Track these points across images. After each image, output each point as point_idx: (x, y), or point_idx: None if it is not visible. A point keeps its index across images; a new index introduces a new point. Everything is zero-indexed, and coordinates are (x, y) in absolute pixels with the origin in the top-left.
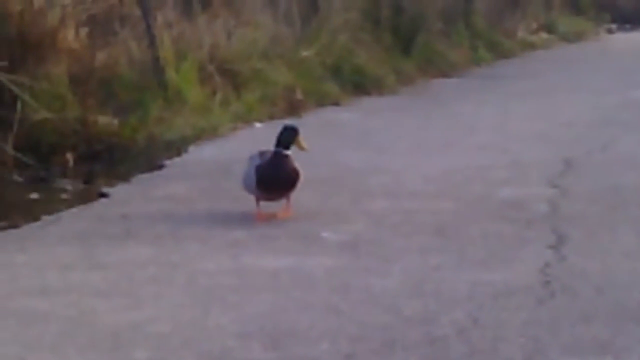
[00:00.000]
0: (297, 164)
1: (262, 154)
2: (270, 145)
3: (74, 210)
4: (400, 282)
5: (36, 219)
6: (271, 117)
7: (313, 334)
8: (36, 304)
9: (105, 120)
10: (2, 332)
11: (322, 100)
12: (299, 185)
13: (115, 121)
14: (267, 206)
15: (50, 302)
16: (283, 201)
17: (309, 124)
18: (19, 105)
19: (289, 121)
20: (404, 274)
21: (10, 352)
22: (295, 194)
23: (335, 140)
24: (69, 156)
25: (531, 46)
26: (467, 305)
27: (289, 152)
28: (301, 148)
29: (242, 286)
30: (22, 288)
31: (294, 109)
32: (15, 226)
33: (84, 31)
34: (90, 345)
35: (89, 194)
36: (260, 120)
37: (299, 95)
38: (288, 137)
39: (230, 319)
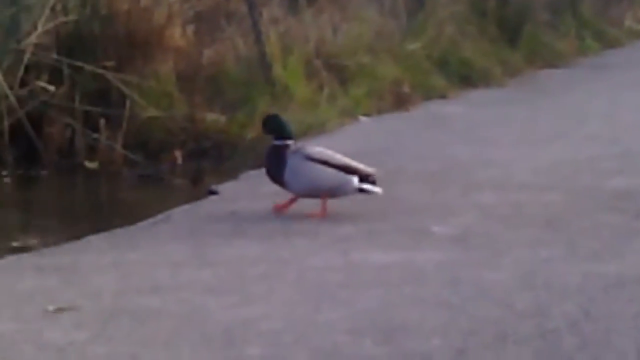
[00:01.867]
0: (295, 154)
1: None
2: (377, 140)
3: (184, 207)
4: (511, 275)
5: (146, 216)
6: (378, 112)
7: (424, 328)
8: (148, 302)
9: (213, 117)
10: (115, 330)
11: (429, 94)
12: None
13: (223, 118)
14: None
15: (162, 299)
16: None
17: (416, 118)
18: (127, 104)
19: (391, 115)
20: (514, 267)
21: (123, 349)
22: (404, 188)
23: (443, 134)
24: (178, 154)
25: (638, 35)
26: (578, 298)
27: (284, 142)
28: None
29: (352, 282)
30: (134, 286)
31: (401, 102)
32: (126, 225)
33: (190, 29)
34: (202, 342)
35: (198, 192)
36: (367, 115)
37: (406, 89)
38: (274, 126)
39: (340, 314)
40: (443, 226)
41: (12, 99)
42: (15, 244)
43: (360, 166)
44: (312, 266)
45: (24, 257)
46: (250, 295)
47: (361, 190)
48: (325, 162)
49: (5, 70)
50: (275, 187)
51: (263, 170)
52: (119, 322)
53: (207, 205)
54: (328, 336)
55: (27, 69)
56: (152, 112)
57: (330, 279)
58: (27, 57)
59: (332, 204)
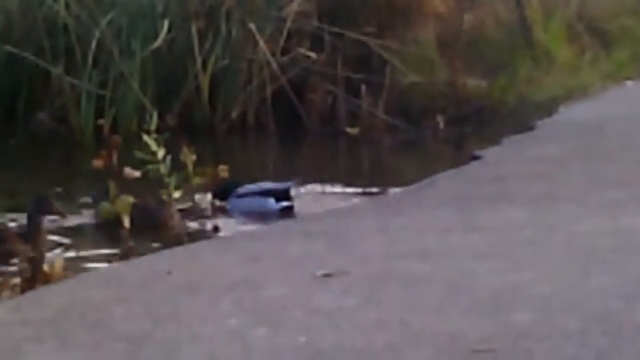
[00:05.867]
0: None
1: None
2: None
3: (447, 172)
4: None
5: (410, 182)
6: None
7: None
8: (416, 267)
9: (474, 82)
10: (384, 295)
11: None
12: None
13: (484, 83)
14: None
15: (430, 264)
16: None
17: None
18: (388, 70)
19: None
20: None
21: (394, 314)
22: None
23: None
24: (439, 119)
25: None
26: None
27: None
28: None
29: (622, 247)
30: (402, 251)
31: None
32: (390, 190)
33: None
34: (471, 308)
35: (461, 157)
36: (631, 79)
37: None
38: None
39: (611, 280)
40: None
41: (275, 66)
42: None
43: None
44: (580, 231)
45: (291, 223)
46: (519, 261)
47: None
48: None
49: (267, 38)
50: (542, 153)
51: (527, 134)
52: (388, 288)
53: (471, 170)
54: (599, 302)
55: (288, 36)
56: (413, 78)
57: (599, 244)
58: (288, 24)
59: (601, 168)
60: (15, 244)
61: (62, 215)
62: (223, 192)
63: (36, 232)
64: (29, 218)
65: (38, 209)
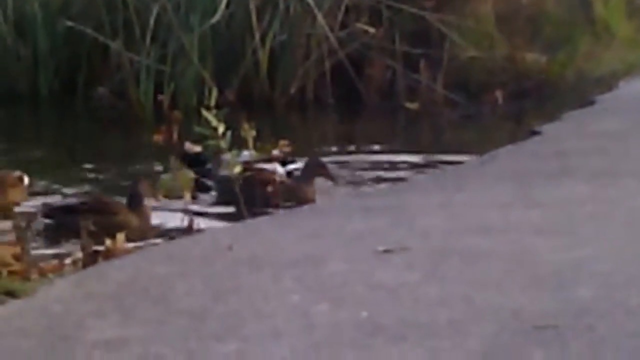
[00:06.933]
0: None
1: None
2: None
3: (507, 148)
4: None
5: (471, 157)
6: None
7: None
8: (478, 243)
9: (533, 57)
10: (446, 271)
11: None
12: None
13: (543, 58)
14: None
15: (491, 240)
16: None
17: None
18: (447, 45)
19: None
20: None
21: (456, 290)
22: None
23: None
24: (498, 94)
25: None
26: None
27: None
28: None
29: None
30: (463, 226)
31: None
32: (451, 165)
33: None
34: (533, 284)
35: (521, 132)
36: None
37: None
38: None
39: None
40: None
41: (333, 40)
42: None
43: None
44: None
45: (352, 199)
46: (580, 236)
47: None
48: None
49: (325, 12)
50: (603, 128)
51: (587, 109)
52: (450, 263)
53: (531, 145)
54: None
55: (347, 10)
56: (472, 52)
57: None
58: None
59: None
60: (127, 216)
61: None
62: (195, 161)
63: (140, 205)
64: (131, 195)
65: (138, 187)
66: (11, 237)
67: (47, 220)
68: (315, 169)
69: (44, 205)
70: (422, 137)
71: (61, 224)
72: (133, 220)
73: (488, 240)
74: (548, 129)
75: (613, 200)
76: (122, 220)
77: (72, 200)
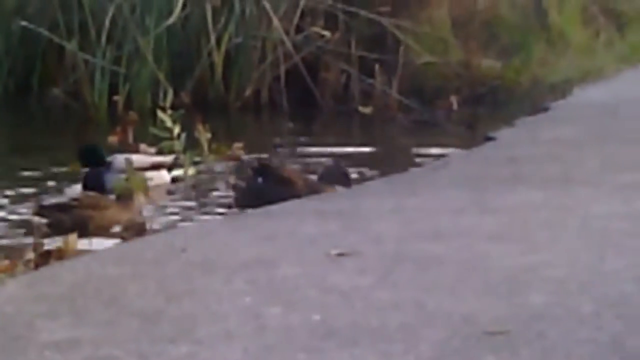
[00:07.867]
0: None
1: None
2: None
3: (461, 153)
4: None
5: (424, 162)
6: None
7: None
8: (431, 247)
9: (488, 63)
10: (399, 276)
11: None
12: None
13: (498, 64)
14: None
15: (444, 245)
16: None
17: None
18: (402, 50)
19: None
20: None
21: (408, 294)
22: None
23: None
24: (453, 99)
25: None
26: None
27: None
28: None
29: (636, 230)
30: (416, 231)
31: None
32: (403, 170)
33: None
34: (485, 289)
35: (475, 138)
36: None
37: None
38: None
39: (626, 263)
40: None
41: (289, 44)
42: None
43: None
44: (595, 214)
45: (305, 201)
46: (533, 242)
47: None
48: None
49: (281, 16)
50: (556, 134)
51: (541, 116)
52: (402, 268)
53: (485, 151)
54: (614, 285)
55: (302, 14)
56: (426, 57)
57: (614, 227)
58: (302, 3)
59: (615, 150)
60: (118, 211)
61: None
62: (89, 157)
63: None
64: None
65: None
66: None
67: (40, 219)
68: (336, 174)
69: (36, 203)
70: (376, 142)
71: (54, 222)
72: (123, 215)
73: (441, 245)
74: (502, 135)
75: (567, 207)
76: (112, 215)
77: (64, 198)
